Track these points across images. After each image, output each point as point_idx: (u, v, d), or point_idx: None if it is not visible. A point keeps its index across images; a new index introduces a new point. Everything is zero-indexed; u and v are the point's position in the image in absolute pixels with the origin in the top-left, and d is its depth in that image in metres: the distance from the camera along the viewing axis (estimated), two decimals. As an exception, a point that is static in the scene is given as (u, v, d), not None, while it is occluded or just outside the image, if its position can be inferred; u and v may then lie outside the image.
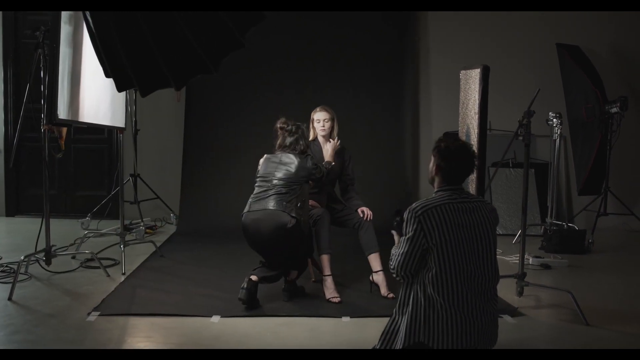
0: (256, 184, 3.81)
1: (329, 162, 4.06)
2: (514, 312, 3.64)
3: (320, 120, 4.18)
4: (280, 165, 3.77)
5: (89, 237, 5.34)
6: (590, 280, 4.53)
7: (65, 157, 5.91)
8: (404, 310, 2.61)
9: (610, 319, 3.58)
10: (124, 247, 4.56)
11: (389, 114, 6.45)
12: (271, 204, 3.64)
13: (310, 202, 3.98)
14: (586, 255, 5.26)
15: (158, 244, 5.13)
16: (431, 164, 2.69)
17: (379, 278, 3.94)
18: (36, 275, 4.25)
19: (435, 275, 2.51)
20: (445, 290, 2.50)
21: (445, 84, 6.22)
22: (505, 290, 3.84)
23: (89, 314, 3.48)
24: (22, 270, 4.16)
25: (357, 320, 3.50)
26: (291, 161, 3.77)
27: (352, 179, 4.28)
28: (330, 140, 4.19)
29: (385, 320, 2.76)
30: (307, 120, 4.21)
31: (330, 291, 3.83)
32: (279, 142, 3.89)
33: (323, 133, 4.20)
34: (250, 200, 3.76)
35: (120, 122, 4.81)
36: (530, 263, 4.79)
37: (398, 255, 2.60)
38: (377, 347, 2.70)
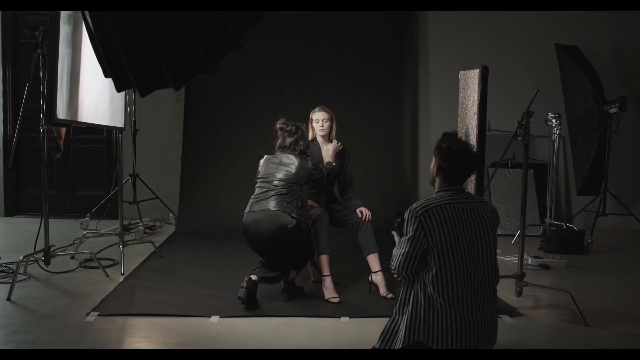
0: (257, 185, 3.81)
1: (329, 163, 4.06)
2: (513, 312, 3.64)
3: (319, 120, 4.18)
4: (281, 166, 3.77)
5: (88, 237, 5.33)
6: (589, 281, 4.54)
7: (64, 157, 5.91)
8: (404, 310, 2.61)
9: (609, 319, 3.59)
10: (123, 247, 4.56)
11: (388, 114, 6.45)
12: (272, 205, 3.64)
13: (309, 202, 3.98)
14: (585, 256, 5.26)
15: (157, 244, 5.13)
16: (432, 165, 2.69)
17: (378, 278, 3.94)
18: (35, 275, 4.24)
19: (436, 275, 2.51)
20: (445, 291, 2.50)
21: (445, 84, 6.22)
22: (504, 291, 3.84)
23: (87, 314, 3.48)
24: (21, 270, 4.15)
25: (356, 320, 3.50)
26: (291, 162, 3.77)
27: (351, 179, 4.28)
28: (332, 140, 4.19)
29: (385, 320, 2.76)
30: (307, 120, 4.21)
31: (329, 291, 3.83)
32: (278, 142, 3.89)
33: (322, 133, 4.20)
34: (251, 200, 3.77)
35: (119, 122, 4.80)
36: (529, 263, 4.79)
37: (399, 256, 2.60)
38: (377, 347, 2.70)
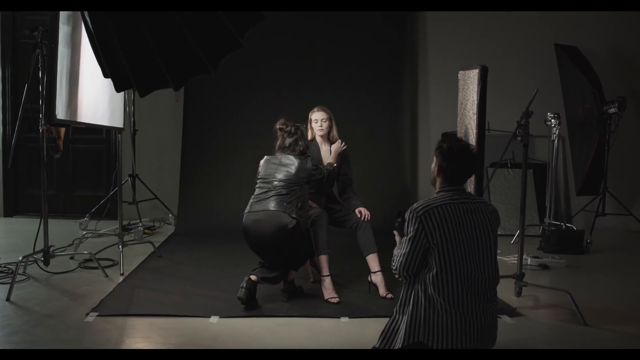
0: (257, 186, 3.81)
1: (330, 164, 4.06)
2: (512, 312, 3.65)
3: (317, 120, 4.18)
4: (280, 166, 3.77)
5: (87, 237, 5.34)
6: (588, 281, 4.54)
7: (64, 157, 5.90)
8: (405, 309, 2.61)
9: (608, 319, 3.59)
10: (122, 247, 4.56)
11: (388, 113, 6.45)
12: (272, 205, 3.64)
13: (309, 202, 3.98)
14: (584, 256, 5.26)
15: (156, 245, 5.13)
16: (433, 165, 2.69)
17: (377, 278, 3.95)
18: (34, 275, 4.24)
19: (436, 275, 2.51)
20: (445, 290, 2.50)
21: (444, 84, 6.22)
22: (504, 291, 3.84)
23: (87, 314, 3.48)
24: (21, 270, 4.15)
25: (355, 320, 3.50)
26: (291, 162, 3.77)
27: (350, 179, 4.28)
28: (332, 140, 4.19)
29: (384, 320, 2.76)
30: (306, 120, 4.22)
31: (328, 291, 3.83)
32: (278, 143, 3.89)
33: (321, 133, 4.20)
34: (250, 201, 3.77)
35: (118, 122, 4.80)
36: (529, 263, 4.80)
37: (400, 256, 2.61)
38: (377, 346, 2.70)
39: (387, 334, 2.67)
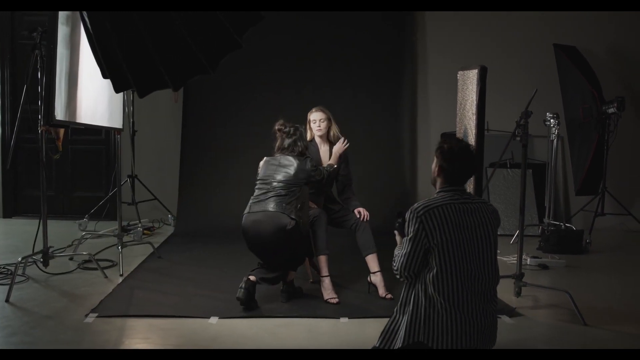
0: (256, 187, 3.81)
1: (330, 165, 4.06)
2: (512, 312, 3.64)
3: (315, 121, 4.18)
4: (280, 167, 3.77)
5: (87, 238, 5.33)
6: (588, 281, 4.54)
7: (63, 158, 5.89)
8: (405, 309, 2.62)
9: (608, 319, 3.59)
10: (121, 248, 4.55)
11: (387, 113, 6.45)
12: (271, 206, 3.64)
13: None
14: (584, 256, 5.26)
15: (156, 245, 5.13)
16: (433, 165, 2.69)
17: (376, 279, 3.94)
18: (34, 276, 4.24)
19: (436, 275, 2.52)
20: (445, 290, 2.51)
21: (444, 84, 6.22)
22: (503, 291, 3.83)
23: (86, 315, 3.48)
24: (20, 271, 4.14)
25: (355, 321, 3.50)
26: (290, 163, 3.77)
27: (349, 179, 4.28)
28: (332, 141, 4.18)
29: (384, 321, 2.76)
30: (306, 120, 4.21)
31: (328, 292, 3.82)
32: (277, 144, 3.89)
33: (319, 133, 4.20)
34: (250, 201, 3.77)
35: (117, 123, 4.80)
36: (528, 263, 4.80)
37: (401, 256, 2.61)
38: (377, 346, 2.70)
39: (387, 334, 2.67)
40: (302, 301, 3.82)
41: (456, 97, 4.16)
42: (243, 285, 3.59)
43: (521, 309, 3.73)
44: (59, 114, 3.90)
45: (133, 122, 6.17)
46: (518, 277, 3.86)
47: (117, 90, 3.56)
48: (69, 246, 5.07)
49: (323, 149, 4.22)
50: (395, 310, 2.69)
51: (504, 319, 3.52)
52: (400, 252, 2.63)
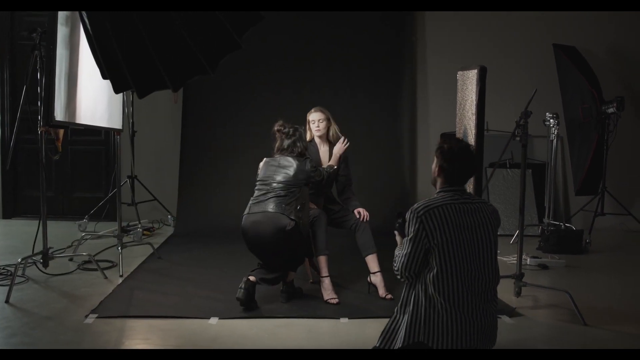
0: (256, 188, 3.81)
1: (330, 166, 4.06)
2: (512, 312, 3.64)
3: (314, 121, 4.18)
4: (279, 168, 3.77)
5: (87, 239, 5.33)
6: (587, 281, 4.54)
7: (62, 158, 5.89)
8: (405, 309, 2.62)
9: (608, 319, 3.59)
10: (121, 249, 4.55)
11: (386, 114, 6.45)
12: (270, 207, 3.64)
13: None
14: (584, 256, 5.26)
15: (155, 246, 5.12)
16: (434, 165, 2.69)
17: (376, 279, 3.94)
18: (33, 277, 4.23)
19: (437, 275, 2.52)
20: (446, 291, 2.51)
21: (443, 84, 6.22)
22: (503, 291, 3.83)
23: (86, 316, 3.47)
24: (20, 272, 4.14)
25: (355, 321, 3.49)
26: (290, 164, 3.77)
27: (349, 180, 4.28)
28: (332, 141, 4.18)
29: (384, 321, 2.76)
30: (305, 121, 4.21)
31: (328, 292, 3.82)
32: (277, 145, 3.89)
33: (318, 134, 4.20)
34: (250, 202, 3.77)
35: (117, 123, 4.80)
36: (528, 263, 4.80)
37: (401, 257, 2.61)
38: (377, 346, 2.70)
39: (388, 334, 2.67)
40: (302, 301, 3.82)
41: (456, 97, 4.16)
42: (243, 286, 3.59)
43: (521, 309, 3.73)
44: (59, 114, 3.90)
45: (133, 123, 6.17)
46: (518, 277, 3.86)
47: (116, 91, 3.56)
48: (69, 247, 5.07)
49: (323, 150, 4.22)
50: (395, 310, 2.69)
51: (504, 319, 3.52)
52: (400, 252, 2.63)
